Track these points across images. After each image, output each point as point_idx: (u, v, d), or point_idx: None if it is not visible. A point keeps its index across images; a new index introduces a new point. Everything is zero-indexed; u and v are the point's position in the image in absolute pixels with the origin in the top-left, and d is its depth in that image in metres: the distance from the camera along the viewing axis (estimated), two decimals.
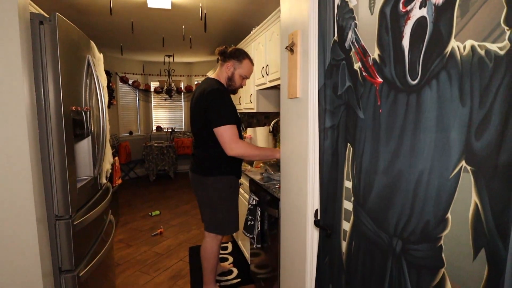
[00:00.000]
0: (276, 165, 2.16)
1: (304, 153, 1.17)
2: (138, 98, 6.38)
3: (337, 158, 0.98)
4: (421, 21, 0.65)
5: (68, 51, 1.39)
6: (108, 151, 2.04)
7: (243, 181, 2.44)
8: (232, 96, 1.95)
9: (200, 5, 2.96)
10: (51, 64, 1.29)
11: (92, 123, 1.72)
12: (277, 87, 2.87)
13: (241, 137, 1.82)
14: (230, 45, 4.14)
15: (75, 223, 1.40)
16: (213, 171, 1.82)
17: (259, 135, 3.25)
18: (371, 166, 0.81)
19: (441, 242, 0.62)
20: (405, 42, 0.69)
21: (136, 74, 6.32)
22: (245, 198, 2.42)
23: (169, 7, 2.89)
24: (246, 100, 3.41)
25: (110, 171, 2.09)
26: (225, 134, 1.69)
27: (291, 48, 1.26)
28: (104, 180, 1.88)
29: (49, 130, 1.29)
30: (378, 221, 0.80)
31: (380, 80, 0.78)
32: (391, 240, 0.75)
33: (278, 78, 2.45)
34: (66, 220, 1.37)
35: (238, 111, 2.16)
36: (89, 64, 1.66)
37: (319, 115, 1.06)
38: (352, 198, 0.91)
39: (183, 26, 3.70)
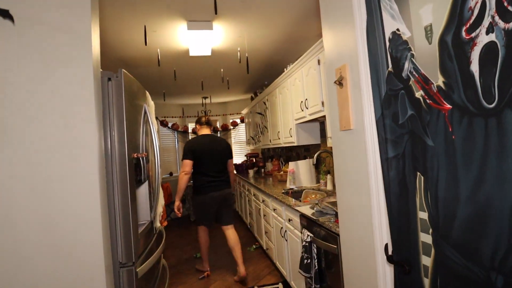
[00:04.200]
0: (325, 200, 2.12)
1: (365, 185, 1.15)
2: (177, 139, 6.72)
3: (406, 188, 0.94)
4: (491, 46, 0.65)
5: (130, 102, 1.53)
6: (161, 194, 2.14)
7: (293, 217, 2.40)
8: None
9: (238, 49, 3.17)
10: (116, 115, 1.41)
11: (148, 168, 1.84)
12: (317, 120, 2.89)
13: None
14: (261, 88, 4.31)
15: (137, 269, 1.42)
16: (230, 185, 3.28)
17: (302, 168, 3.23)
18: (450, 195, 0.78)
19: None
20: (474, 67, 0.69)
21: (175, 117, 6.72)
22: (295, 235, 2.36)
23: (209, 53, 3.12)
24: (286, 134, 3.45)
25: (162, 213, 2.17)
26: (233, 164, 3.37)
27: (340, 82, 1.29)
28: (158, 224, 1.95)
29: (114, 178, 1.39)
30: (467, 253, 0.74)
31: (448, 106, 0.77)
32: (488, 275, 0.68)
33: (319, 111, 2.48)
34: (129, 268, 1.39)
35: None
36: (145, 112, 1.81)
37: (380, 145, 1.05)
38: (431, 230, 0.86)
39: (222, 70, 3.95)
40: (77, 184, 1.25)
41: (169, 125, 6.56)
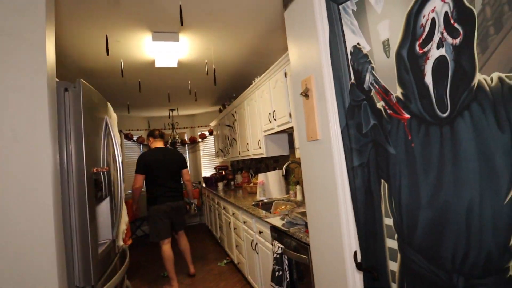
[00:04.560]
0: (295, 210, 2.13)
1: (333, 194, 1.17)
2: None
3: (371, 196, 0.97)
4: (441, 59, 0.70)
5: (89, 113, 1.44)
6: (124, 210, 2.02)
7: (263, 229, 2.38)
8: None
9: (206, 61, 3.16)
10: (74, 128, 1.32)
11: (110, 183, 1.73)
12: (285, 131, 2.94)
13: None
14: (230, 100, 4.36)
15: None
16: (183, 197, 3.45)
17: (271, 179, 3.25)
18: (412, 201, 0.81)
19: (511, 272, 0.59)
20: (428, 79, 0.74)
21: (141, 130, 6.49)
22: (266, 247, 2.34)
23: (176, 65, 3.08)
24: (255, 146, 3.46)
25: (125, 231, 2.05)
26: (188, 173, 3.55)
27: (305, 94, 1.32)
28: (121, 242, 1.84)
29: (71, 194, 1.29)
30: (430, 257, 0.77)
31: (407, 116, 0.81)
32: (450, 277, 0.71)
33: (286, 122, 2.52)
34: None
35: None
36: (106, 125, 1.72)
37: (345, 155, 1.08)
38: (396, 236, 0.88)
39: (189, 81, 3.90)
40: (28, 201, 1.14)
41: (134, 138, 6.30)
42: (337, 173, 1.13)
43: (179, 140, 6.51)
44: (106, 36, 2.09)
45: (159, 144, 3.38)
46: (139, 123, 6.46)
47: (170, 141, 6.28)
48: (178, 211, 3.30)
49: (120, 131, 6.10)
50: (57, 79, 1.34)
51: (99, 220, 1.60)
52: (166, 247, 3.19)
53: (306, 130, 1.35)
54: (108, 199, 1.67)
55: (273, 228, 2.10)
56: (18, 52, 1.16)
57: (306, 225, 1.83)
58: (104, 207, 1.65)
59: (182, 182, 3.49)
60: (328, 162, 1.19)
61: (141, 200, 6.13)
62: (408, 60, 0.79)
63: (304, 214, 1.91)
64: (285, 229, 1.87)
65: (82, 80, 1.37)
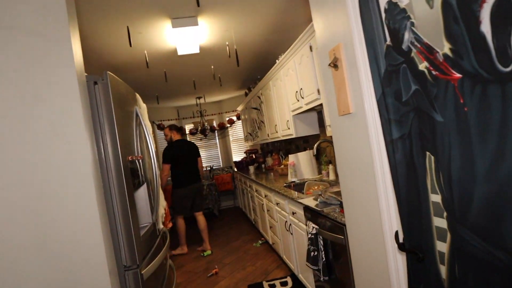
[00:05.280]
0: (329, 190, 2.05)
1: (369, 170, 1.08)
2: None
3: (414, 171, 0.87)
4: (503, 1, 0.58)
5: (119, 105, 1.46)
6: (161, 196, 2.07)
7: (296, 209, 2.33)
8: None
9: (227, 43, 3.08)
10: (106, 119, 1.35)
11: (145, 170, 1.76)
12: (314, 109, 2.82)
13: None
14: (255, 82, 4.29)
15: (142, 272, 1.38)
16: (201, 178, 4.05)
17: (302, 160, 3.17)
18: (466, 174, 0.70)
19: None
20: (485, 27, 0.61)
21: (171, 119, 6.63)
22: (300, 227, 2.30)
23: (198, 51, 3.04)
24: (283, 127, 3.38)
25: (164, 215, 2.10)
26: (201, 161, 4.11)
27: (334, 64, 1.22)
28: (161, 225, 1.89)
29: (111, 182, 1.33)
30: (488, 237, 0.67)
31: (457, 75, 0.69)
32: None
33: (315, 100, 2.41)
34: (134, 270, 1.35)
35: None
36: (137, 115, 1.73)
37: (383, 127, 0.97)
38: (445, 214, 0.79)
39: (212, 67, 3.86)
40: (73, 190, 1.19)
41: None
42: (374, 148, 1.04)
43: (208, 127, 6.58)
44: (127, 27, 2.09)
45: (179, 136, 3.97)
46: (169, 113, 6.61)
47: (199, 128, 6.36)
48: (198, 192, 3.94)
49: (152, 122, 6.28)
50: (86, 74, 1.35)
51: (139, 205, 1.64)
52: (182, 220, 3.92)
53: (337, 104, 1.26)
54: (145, 185, 1.71)
55: (307, 209, 2.05)
56: (47, 50, 1.18)
57: (341, 205, 1.75)
58: (142, 193, 1.69)
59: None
60: (363, 137, 1.10)
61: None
62: (458, 7, 0.66)
63: (338, 193, 1.83)
64: (319, 209, 1.81)
65: (109, 72, 1.37)
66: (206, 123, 6.47)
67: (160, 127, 6.34)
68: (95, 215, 1.21)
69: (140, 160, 1.68)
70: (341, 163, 1.33)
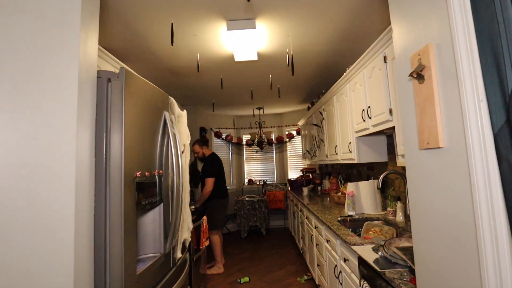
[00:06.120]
0: (394, 242, 1.55)
1: (469, 241, 0.63)
2: (231, 151, 6.55)
3: None
4: None
5: (139, 108, 1.25)
6: (188, 217, 1.82)
7: (349, 256, 1.86)
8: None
9: (287, 50, 2.79)
10: (115, 123, 1.14)
11: (166, 187, 1.53)
12: (383, 132, 2.31)
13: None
14: (318, 96, 3.91)
15: None
16: None
17: (363, 191, 2.65)
18: None
19: None
20: None
21: (229, 128, 6.58)
22: (352, 280, 1.81)
23: (256, 58, 2.80)
24: (344, 149, 2.91)
25: (190, 239, 1.84)
26: None
27: (418, 74, 0.80)
28: (179, 254, 1.62)
29: (107, 202, 1.10)
30: None
31: None
32: None
33: (386, 121, 1.93)
34: None
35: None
36: (165, 122, 1.52)
37: (503, 178, 0.53)
38: None
39: (270, 76, 3.60)
40: (40, 210, 0.97)
41: (223, 136, 6.43)
42: (482, 208, 0.59)
43: (266, 140, 6.33)
44: (172, 24, 1.94)
45: (210, 151, 3.95)
46: (225, 122, 6.57)
47: (256, 140, 6.15)
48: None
49: (210, 129, 6.31)
50: (100, 69, 1.18)
51: (148, 230, 1.41)
52: (218, 236, 3.74)
53: (418, 132, 0.83)
54: (161, 206, 1.48)
55: (362, 261, 1.58)
56: (50, 36, 1.02)
57: (410, 270, 1.25)
58: (155, 215, 1.46)
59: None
60: (460, 187, 0.66)
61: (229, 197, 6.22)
62: None
63: (407, 250, 1.33)
64: (379, 269, 1.33)
65: (126, 67, 1.19)
66: (263, 135, 6.24)
67: (217, 135, 6.32)
68: (68, 247, 0.95)
69: (161, 176, 1.45)
70: (416, 216, 0.88)
